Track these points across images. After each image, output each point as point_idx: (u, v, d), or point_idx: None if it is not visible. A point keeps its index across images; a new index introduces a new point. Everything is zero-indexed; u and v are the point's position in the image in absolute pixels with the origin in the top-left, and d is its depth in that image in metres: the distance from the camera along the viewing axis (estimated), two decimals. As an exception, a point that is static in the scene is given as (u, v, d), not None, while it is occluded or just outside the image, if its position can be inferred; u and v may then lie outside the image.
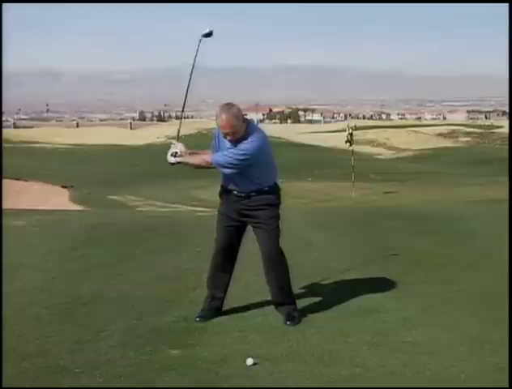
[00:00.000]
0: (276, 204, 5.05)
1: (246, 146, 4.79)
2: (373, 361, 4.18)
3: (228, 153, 4.82)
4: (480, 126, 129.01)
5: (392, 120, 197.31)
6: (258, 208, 4.96)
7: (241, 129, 4.78)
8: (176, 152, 4.98)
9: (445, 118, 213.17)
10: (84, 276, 6.42)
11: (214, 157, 4.92)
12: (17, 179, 40.92)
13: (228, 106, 4.78)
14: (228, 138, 4.81)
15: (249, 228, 5.11)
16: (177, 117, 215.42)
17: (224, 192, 5.09)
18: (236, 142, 4.81)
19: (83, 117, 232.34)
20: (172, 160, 5.01)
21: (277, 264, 5.06)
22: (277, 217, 5.02)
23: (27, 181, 42.31)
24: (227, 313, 5.14)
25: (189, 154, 5.04)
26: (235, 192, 4.99)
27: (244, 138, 4.80)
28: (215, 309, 5.12)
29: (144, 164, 64.12)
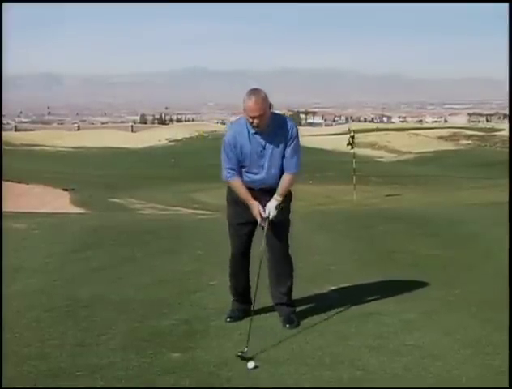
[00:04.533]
0: (291, 200, 5.06)
1: (290, 124, 4.87)
2: (375, 364, 4.18)
3: (293, 146, 4.83)
4: (481, 129, 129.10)
5: (393, 123, 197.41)
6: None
7: (268, 114, 4.74)
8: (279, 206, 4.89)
9: (446, 121, 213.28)
10: (85, 279, 6.42)
11: (294, 165, 4.89)
12: (18, 182, 40.92)
13: (257, 90, 4.74)
14: (256, 123, 4.69)
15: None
16: (177, 120, 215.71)
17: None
18: (272, 131, 4.78)
19: (85, 120, 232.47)
20: (275, 212, 4.88)
21: (287, 265, 5.07)
22: (289, 221, 5.04)
23: (28, 184, 42.30)
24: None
25: (283, 190, 4.92)
26: (260, 188, 4.88)
27: (279, 122, 4.82)
28: (244, 310, 5.13)
29: (145, 167, 64.19)
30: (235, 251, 5.12)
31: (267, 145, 4.81)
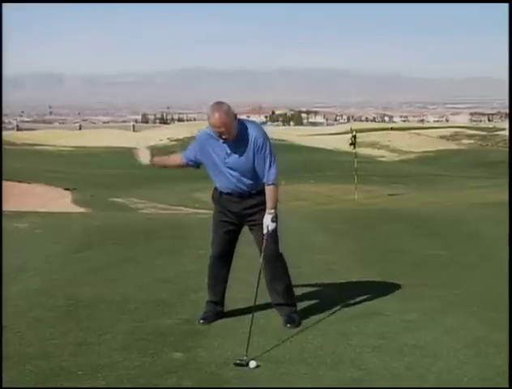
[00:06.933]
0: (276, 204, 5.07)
1: (254, 133, 4.80)
2: (376, 364, 4.18)
3: (263, 156, 4.80)
4: (482, 129, 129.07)
5: (395, 122, 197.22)
6: (259, 208, 4.94)
7: (233, 125, 4.74)
8: (274, 217, 4.91)
9: (447, 120, 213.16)
10: (86, 279, 6.42)
11: (271, 176, 4.86)
12: (20, 181, 40.98)
13: (219, 104, 4.75)
14: (224, 136, 4.75)
15: (246, 230, 5.10)
16: (179, 119, 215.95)
17: (222, 195, 5.03)
18: (235, 141, 4.78)
19: (86, 119, 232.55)
20: (273, 225, 4.91)
21: (279, 265, 5.07)
22: (277, 217, 5.01)
23: (29, 183, 42.37)
24: (229, 315, 5.14)
25: (272, 203, 4.91)
26: (237, 192, 4.95)
27: (241, 132, 4.78)
28: (217, 312, 5.14)
29: (146, 167, 64.17)
30: (214, 250, 5.15)
31: (231, 153, 4.83)
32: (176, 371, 4.06)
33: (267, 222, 4.88)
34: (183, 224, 10.73)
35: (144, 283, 6.25)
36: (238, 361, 4.17)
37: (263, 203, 4.92)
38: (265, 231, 4.89)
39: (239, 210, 4.99)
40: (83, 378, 3.95)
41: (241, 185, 4.92)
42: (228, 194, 4.99)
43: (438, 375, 4.01)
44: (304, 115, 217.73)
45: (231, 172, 4.89)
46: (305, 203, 29.90)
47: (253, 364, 4.13)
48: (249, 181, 4.91)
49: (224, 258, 5.14)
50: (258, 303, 5.23)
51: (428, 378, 3.97)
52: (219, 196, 5.06)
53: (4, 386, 3.83)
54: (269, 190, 4.90)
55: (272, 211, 4.89)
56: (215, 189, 5.09)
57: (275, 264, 5.04)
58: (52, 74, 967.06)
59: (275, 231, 4.97)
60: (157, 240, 8.56)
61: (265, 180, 4.88)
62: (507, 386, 3.85)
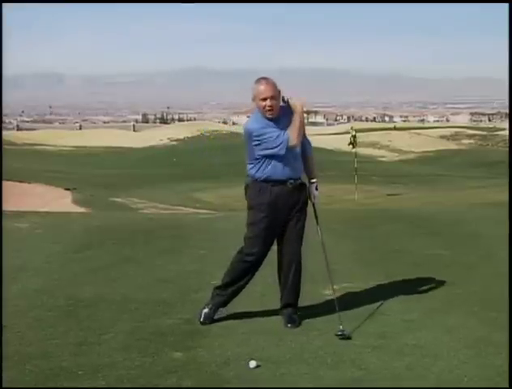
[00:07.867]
0: (307, 203, 5.10)
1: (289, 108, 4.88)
2: (377, 364, 4.18)
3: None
4: (482, 129, 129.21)
5: (395, 122, 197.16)
6: (300, 203, 4.98)
7: (279, 97, 4.82)
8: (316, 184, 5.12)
9: (448, 120, 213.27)
10: (86, 279, 6.42)
11: (310, 148, 5.16)
12: (20, 181, 41.02)
13: (264, 77, 4.84)
14: (269, 104, 4.70)
15: None
16: (179, 119, 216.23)
17: (273, 191, 4.86)
18: (281, 117, 4.80)
19: (86, 119, 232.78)
20: (317, 193, 5.10)
21: (300, 264, 5.10)
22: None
23: (30, 183, 42.40)
24: (230, 315, 5.13)
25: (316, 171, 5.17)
26: (290, 176, 4.89)
27: (283, 110, 4.83)
28: (224, 303, 5.08)
29: (147, 167, 64.24)
30: (258, 251, 4.95)
31: (283, 128, 4.81)
32: (176, 371, 4.05)
33: (314, 191, 5.04)
34: (183, 224, 10.71)
35: (144, 283, 6.25)
36: (340, 333, 4.58)
37: (305, 199, 5.00)
38: (314, 200, 5.05)
39: (292, 202, 4.91)
40: (83, 378, 3.95)
41: (296, 164, 4.91)
42: (281, 183, 4.85)
43: (439, 375, 4.01)
44: (304, 115, 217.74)
45: (287, 153, 4.80)
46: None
47: (253, 364, 4.13)
48: (299, 161, 4.97)
49: (259, 265, 5.04)
50: (258, 303, 5.24)
51: (429, 378, 3.97)
52: (269, 195, 4.85)
53: (4, 386, 3.83)
54: (311, 159, 5.12)
55: (315, 180, 5.08)
56: (260, 189, 4.87)
57: (299, 261, 5.06)
58: (52, 74, 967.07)
59: (303, 227, 5.02)
60: (157, 240, 8.55)
61: (307, 149, 5.09)
62: (507, 386, 3.85)
